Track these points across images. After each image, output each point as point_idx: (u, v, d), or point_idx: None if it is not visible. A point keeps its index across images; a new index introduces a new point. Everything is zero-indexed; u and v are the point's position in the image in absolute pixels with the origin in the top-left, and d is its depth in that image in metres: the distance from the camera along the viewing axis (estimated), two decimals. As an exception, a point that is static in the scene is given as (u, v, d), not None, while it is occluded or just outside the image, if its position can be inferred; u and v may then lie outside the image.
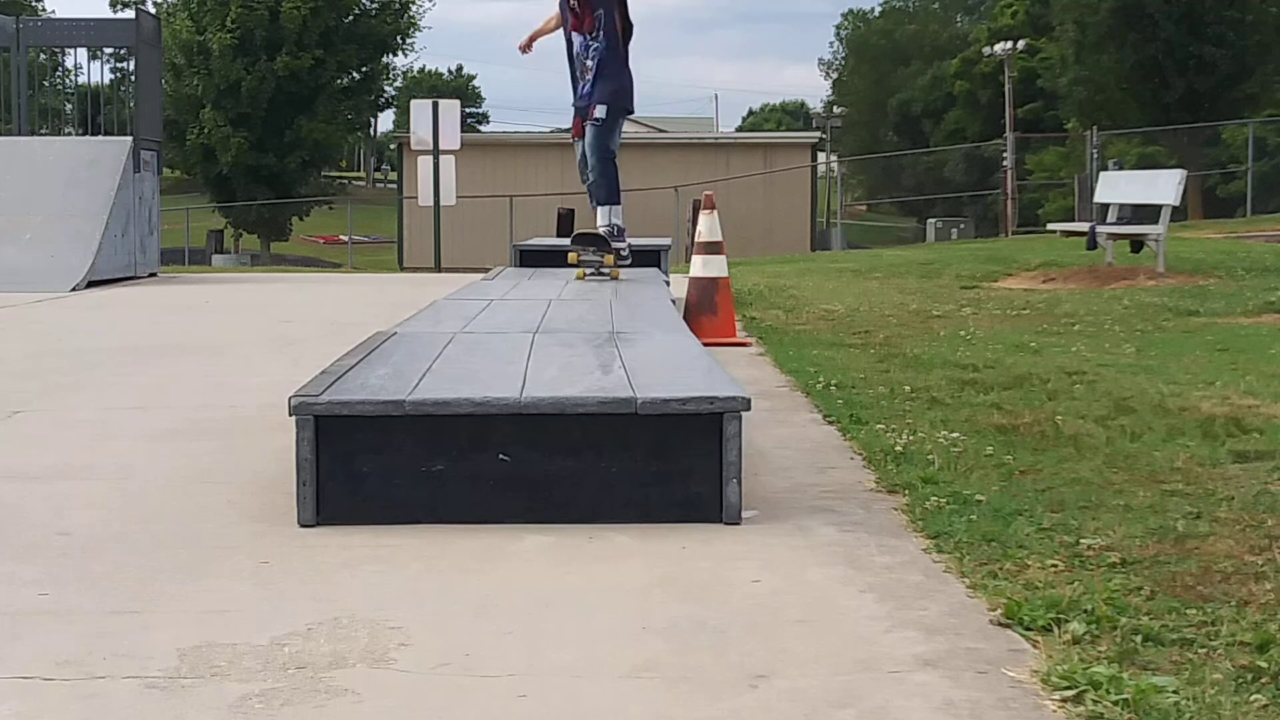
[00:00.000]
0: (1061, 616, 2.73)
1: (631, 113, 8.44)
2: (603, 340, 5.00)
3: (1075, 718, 2.29)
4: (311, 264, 36.35)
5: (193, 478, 4.22)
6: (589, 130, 8.15)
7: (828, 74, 76.84)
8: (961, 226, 39.85)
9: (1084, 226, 14.17)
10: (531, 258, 11.18)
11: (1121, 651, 2.55)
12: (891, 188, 61.55)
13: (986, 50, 48.69)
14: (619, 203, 8.32)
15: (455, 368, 4.25)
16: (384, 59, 42.17)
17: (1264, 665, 2.47)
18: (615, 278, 8.21)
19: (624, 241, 8.35)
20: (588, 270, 8.25)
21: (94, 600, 2.95)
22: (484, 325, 5.68)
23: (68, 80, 30.54)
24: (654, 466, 3.61)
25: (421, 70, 78.26)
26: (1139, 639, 2.62)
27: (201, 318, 9.73)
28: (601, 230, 8.28)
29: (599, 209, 8.34)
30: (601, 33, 8.07)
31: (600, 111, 8.10)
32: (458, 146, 19.69)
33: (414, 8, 41.43)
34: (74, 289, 11.70)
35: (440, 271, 18.15)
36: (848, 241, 32.55)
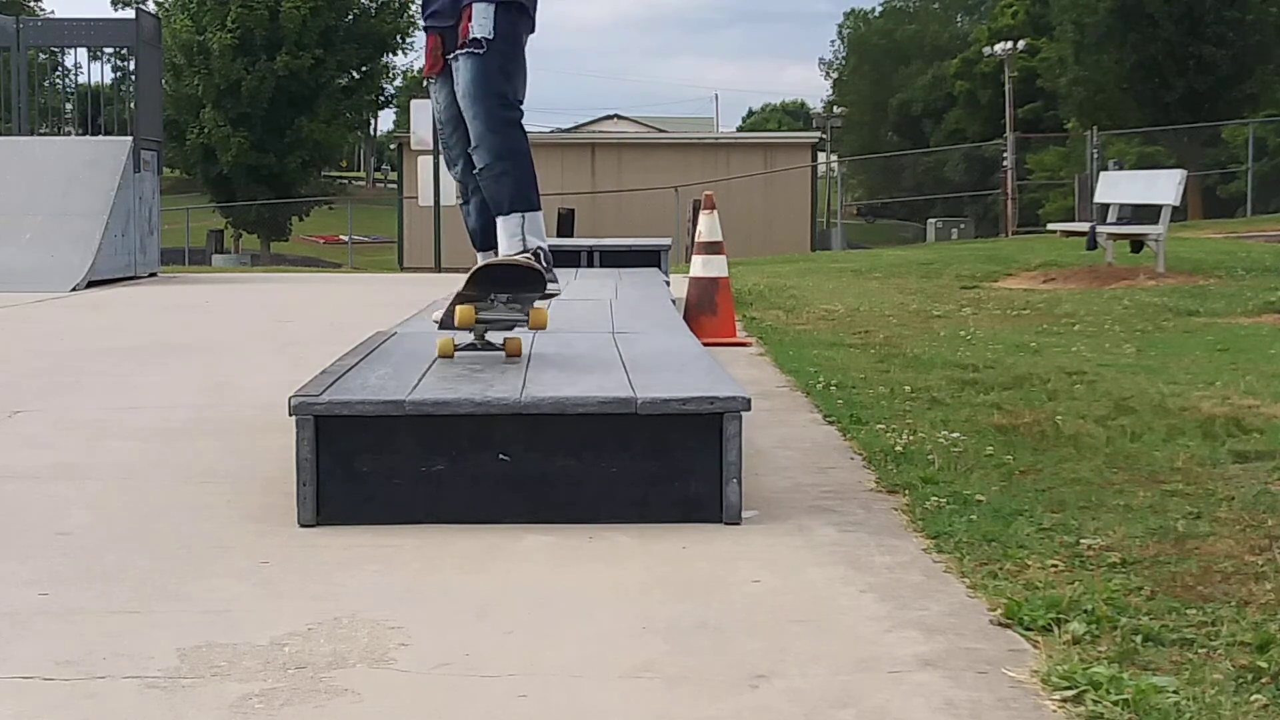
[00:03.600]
0: (1061, 616, 2.73)
1: (534, 29, 4.39)
2: (603, 340, 5.00)
3: (1075, 718, 2.29)
4: (311, 264, 36.38)
5: (193, 478, 4.22)
6: (466, 65, 4.25)
7: (828, 74, 76.93)
8: (962, 226, 39.86)
9: (1084, 226, 14.18)
10: (531, 258, 11.17)
11: (1121, 651, 2.55)
12: (891, 188, 61.56)
13: (986, 50, 48.75)
14: (538, 207, 4.37)
15: (455, 367, 4.25)
16: (384, 58, 42.19)
17: (1264, 665, 2.47)
18: (513, 354, 4.37)
19: (555, 279, 4.37)
20: (469, 336, 4.42)
21: (94, 600, 2.95)
22: (484, 325, 5.67)
23: (68, 80, 30.56)
24: (654, 466, 3.61)
25: (421, 69, 78.29)
26: (1139, 639, 2.62)
27: (201, 318, 9.72)
28: (521, 258, 4.26)
29: (500, 221, 4.33)
30: None
31: (483, 23, 4.20)
32: (458, 146, 19.66)
33: (414, 7, 41.42)
34: (74, 289, 11.70)
35: (440, 271, 18.14)
36: (848, 241, 32.56)
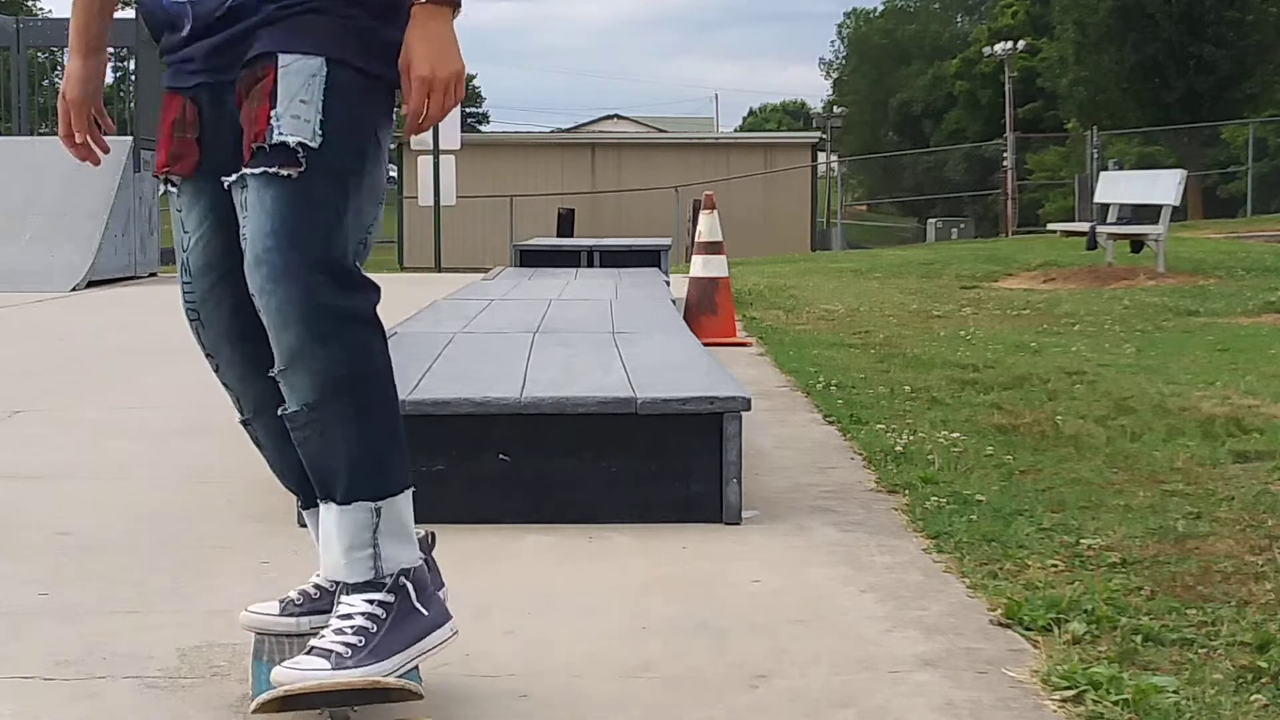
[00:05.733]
0: (1061, 616, 2.73)
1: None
2: (603, 340, 5.00)
3: (1075, 718, 2.29)
4: (311, 264, 36.34)
5: (193, 478, 4.22)
6: (264, 199, 2.11)
7: (828, 73, 76.91)
8: (961, 226, 39.85)
9: (1084, 226, 14.20)
10: (531, 258, 11.22)
11: (1121, 651, 2.55)
12: (891, 188, 61.56)
13: (987, 50, 48.77)
14: (407, 483, 2.39)
15: (455, 368, 4.25)
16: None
17: (1264, 665, 2.47)
18: None
19: (443, 621, 2.26)
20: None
21: (94, 600, 2.95)
22: (484, 325, 5.68)
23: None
24: (654, 466, 3.61)
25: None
26: (1139, 639, 2.62)
27: (201, 318, 9.71)
28: (353, 680, 2.09)
29: (333, 514, 2.25)
30: None
31: (300, 112, 2.09)
32: (458, 146, 19.70)
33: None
34: (74, 289, 11.71)
35: (440, 271, 18.15)
36: (848, 241, 32.57)
